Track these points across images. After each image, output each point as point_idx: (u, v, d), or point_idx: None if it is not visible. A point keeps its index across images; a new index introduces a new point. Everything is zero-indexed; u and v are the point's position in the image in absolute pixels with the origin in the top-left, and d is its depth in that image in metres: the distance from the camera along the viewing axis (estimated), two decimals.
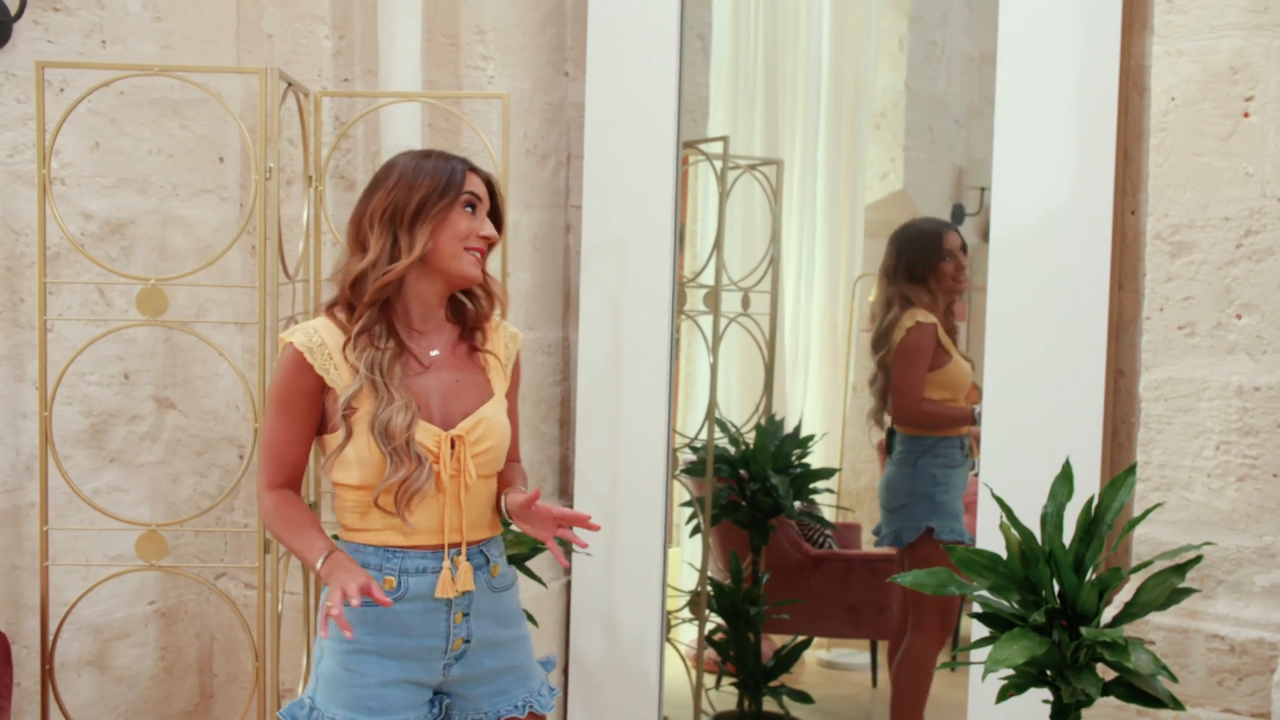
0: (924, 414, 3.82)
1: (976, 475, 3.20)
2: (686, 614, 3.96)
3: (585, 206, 3.66)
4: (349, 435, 2.25)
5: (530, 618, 3.22)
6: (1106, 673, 2.40)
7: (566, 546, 3.66)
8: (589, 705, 3.71)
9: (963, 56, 4.29)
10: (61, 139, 3.12)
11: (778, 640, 4.12)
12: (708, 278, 3.97)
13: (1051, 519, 2.41)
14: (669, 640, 3.76)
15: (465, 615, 2.32)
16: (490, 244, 2.36)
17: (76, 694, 3.31)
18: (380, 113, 3.41)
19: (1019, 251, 3.06)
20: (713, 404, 3.91)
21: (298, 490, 2.36)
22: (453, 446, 2.28)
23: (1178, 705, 2.31)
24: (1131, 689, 2.35)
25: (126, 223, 3.36)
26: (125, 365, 3.38)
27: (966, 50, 4.26)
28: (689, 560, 4.14)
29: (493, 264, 3.38)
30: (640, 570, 3.61)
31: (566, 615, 3.75)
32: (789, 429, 4.15)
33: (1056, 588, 2.38)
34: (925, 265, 3.81)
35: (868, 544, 4.16)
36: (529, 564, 3.22)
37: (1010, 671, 2.37)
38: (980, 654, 2.56)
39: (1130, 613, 2.42)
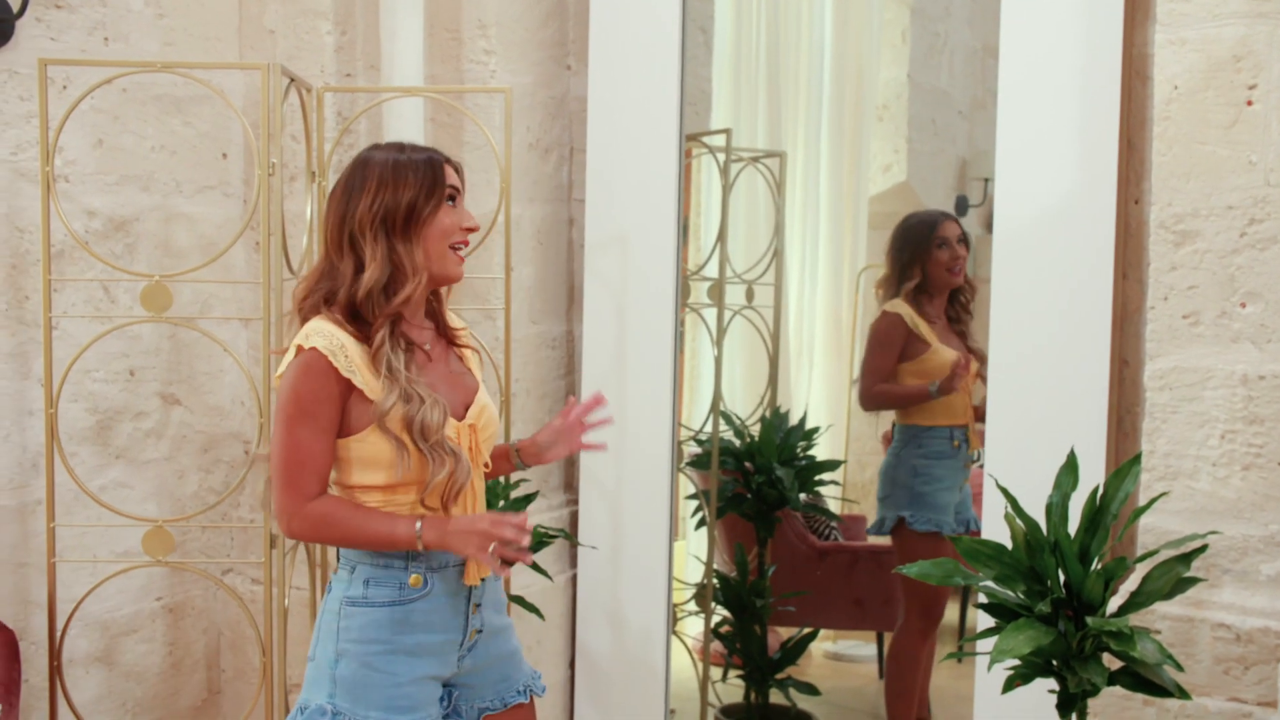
0: (876, 396, 3.91)
1: (981, 466, 3.21)
2: (692, 606, 3.97)
3: (588, 200, 3.66)
4: (401, 445, 2.20)
5: (537, 611, 3.24)
6: (1112, 662, 2.40)
7: (572, 539, 3.68)
8: (596, 698, 3.71)
9: (965, 48, 4.29)
10: (65, 136, 3.13)
11: (784, 632, 4.12)
12: (711, 270, 3.97)
13: (1057, 509, 2.41)
14: (675, 633, 3.76)
15: (479, 606, 2.34)
16: (474, 231, 2.35)
17: (84, 690, 3.31)
18: (383, 108, 3.41)
19: (1023, 242, 3.06)
20: (717, 397, 3.91)
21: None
22: (469, 435, 2.31)
23: (1184, 694, 2.31)
24: (1138, 678, 2.35)
25: (130, 220, 3.36)
26: (130, 362, 3.39)
27: (969, 42, 4.26)
28: (694, 553, 4.15)
29: (495, 258, 3.40)
30: (646, 563, 3.62)
31: (573, 608, 3.75)
32: (794, 421, 4.15)
33: (1062, 577, 2.38)
34: (919, 254, 3.84)
35: (873, 536, 4.16)
36: (534, 557, 3.22)
37: (1016, 661, 2.37)
38: (986, 644, 2.56)
39: (1136, 602, 2.42)
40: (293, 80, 3.16)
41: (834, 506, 4.27)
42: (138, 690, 3.46)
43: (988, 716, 3.07)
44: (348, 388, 2.21)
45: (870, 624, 4.26)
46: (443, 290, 2.41)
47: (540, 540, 3.14)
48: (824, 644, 4.37)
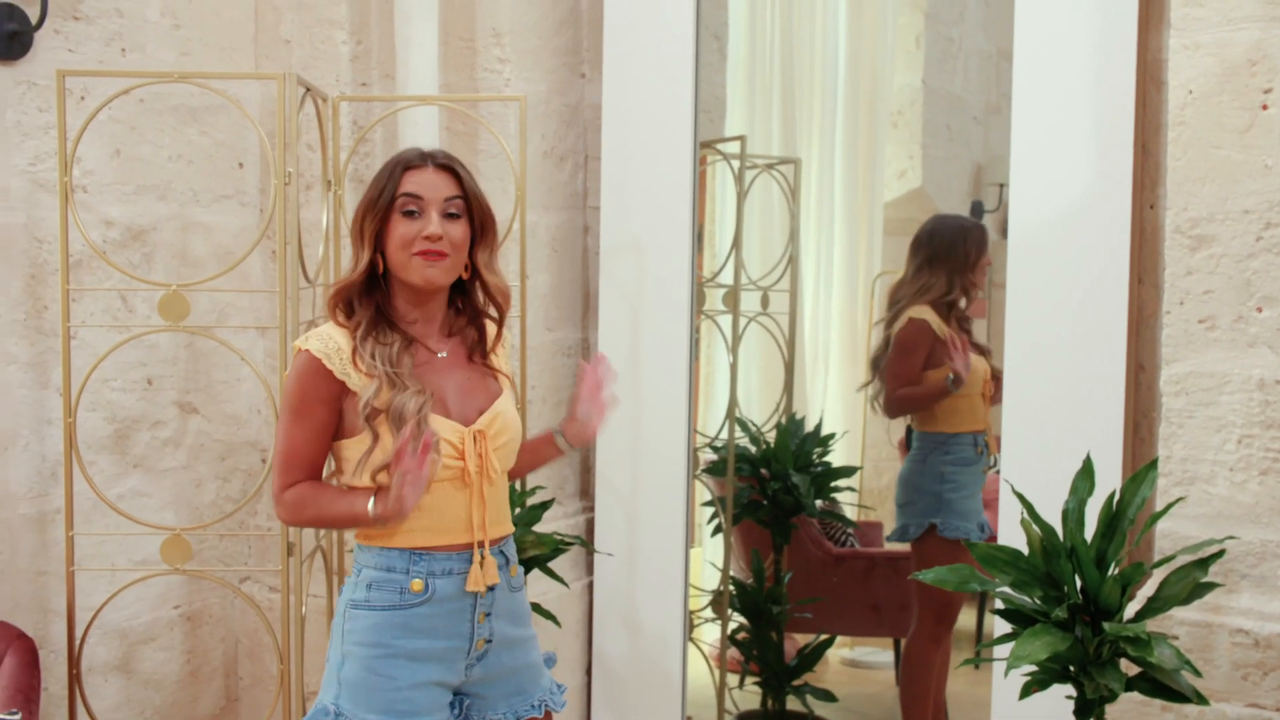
0: (899, 400, 3.87)
1: (997, 472, 3.20)
2: (709, 613, 3.97)
3: (603, 207, 3.66)
4: (376, 438, 2.24)
5: (553, 618, 3.24)
6: (1130, 668, 2.39)
7: (589, 548, 3.68)
8: (612, 705, 3.71)
9: (980, 53, 4.28)
10: (82, 147, 3.15)
11: (800, 639, 4.12)
12: (726, 277, 3.97)
13: (1073, 514, 2.40)
14: (692, 640, 3.76)
15: (488, 615, 2.33)
16: (434, 240, 2.26)
17: (103, 698, 3.33)
18: (398, 116, 3.42)
19: (1038, 247, 3.06)
20: (733, 403, 3.91)
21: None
22: (474, 442, 2.29)
23: (1202, 700, 2.30)
24: (1155, 684, 2.34)
25: (148, 229, 3.38)
26: (148, 371, 3.40)
27: (984, 47, 4.25)
28: (711, 560, 4.14)
29: (511, 265, 3.41)
30: (662, 570, 3.62)
31: (589, 615, 3.75)
32: (810, 427, 4.15)
33: (1079, 583, 2.37)
34: (962, 268, 3.79)
35: (895, 543, 4.16)
36: (551, 565, 3.22)
37: (1033, 668, 2.37)
38: (1003, 650, 2.55)
39: (1153, 608, 2.41)
40: (308, 90, 3.18)
41: (850, 513, 4.26)
42: (156, 698, 3.48)
43: None
44: (342, 389, 2.27)
45: (887, 630, 4.24)
46: (479, 299, 2.39)
47: (556, 547, 3.15)
48: (841, 650, 4.36)
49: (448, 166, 2.32)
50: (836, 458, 4.14)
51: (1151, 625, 2.55)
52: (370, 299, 2.31)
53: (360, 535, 2.35)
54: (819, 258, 4.32)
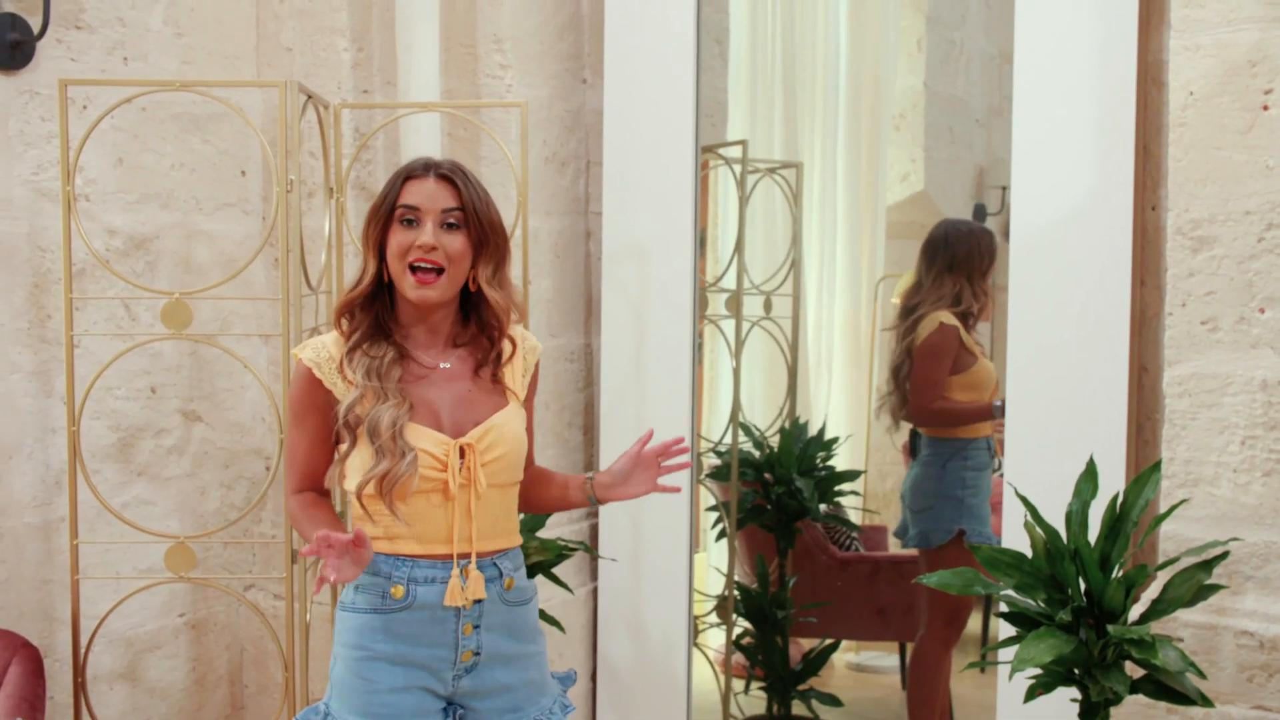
0: (939, 412, 3.82)
1: (1001, 475, 3.20)
2: (714, 618, 3.96)
3: (605, 213, 3.67)
4: (353, 444, 2.26)
5: (557, 624, 3.24)
6: (1135, 671, 2.39)
7: (593, 553, 3.68)
8: (618, 711, 3.71)
9: (982, 56, 4.28)
10: (85, 156, 3.15)
11: (806, 643, 4.12)
12: (729, 282, 3.97)
13: (1076, 517, 2.40)
14: (696, 645, 3.76)
15: (476, 627, 2.31)
16: (428, 250, 2.25)
17: (109, 706, 3.33)
18: (400, 123, 3.42)
19: (1040, 249, 3.06)
20: (736, 408, 3.91)
21: (322, 494, 2.38)
22: (462, 455, 2.27)
23: (1207, 702, 2.30)
24: (1160, 686, 2.34)
25: (151, 238, 3.38)
26: (152, 379, 3.41)
27: (985, 49, 4.25)
28: (715, 565, 4.14)
29: (513, 272, 3.40)
30: (667, 575, 3.62)
31: (594, 621, 3.75)
32: (813, 431, 4.14)
33: (1083, 586, 2.37)
34: (982, 266, 3.78)
35: (894, 545, 4.15)
36: (555, 570, 3.22)
37: (1038, 670, 2.37)
38: (1007, 653, 2.55)
39: (1157, 610, 2.41)
40: (310, 97, 3.18)
41: (854, 517, 4.26)
42: (162, 706, 3.48)
43: None
44: (332, 397, 2.29)
45: (892, 634, 4.24)
46: (492, 304, 2.34)
47: (560, 553, 3.15)
48: (846, 655, 4.36)
49: (449, 177, 2.30)
50: (840, 462, 4.14)
51: (1156, 627, 2.55)
52: (370, 310, 2.32)
53: None
54: (822, 261, 4.32)
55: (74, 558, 3.07)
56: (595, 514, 3.77)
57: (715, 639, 4.04)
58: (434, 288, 2.27)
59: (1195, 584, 2.40)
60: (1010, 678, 2.30)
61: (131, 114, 3.29)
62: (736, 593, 3.94)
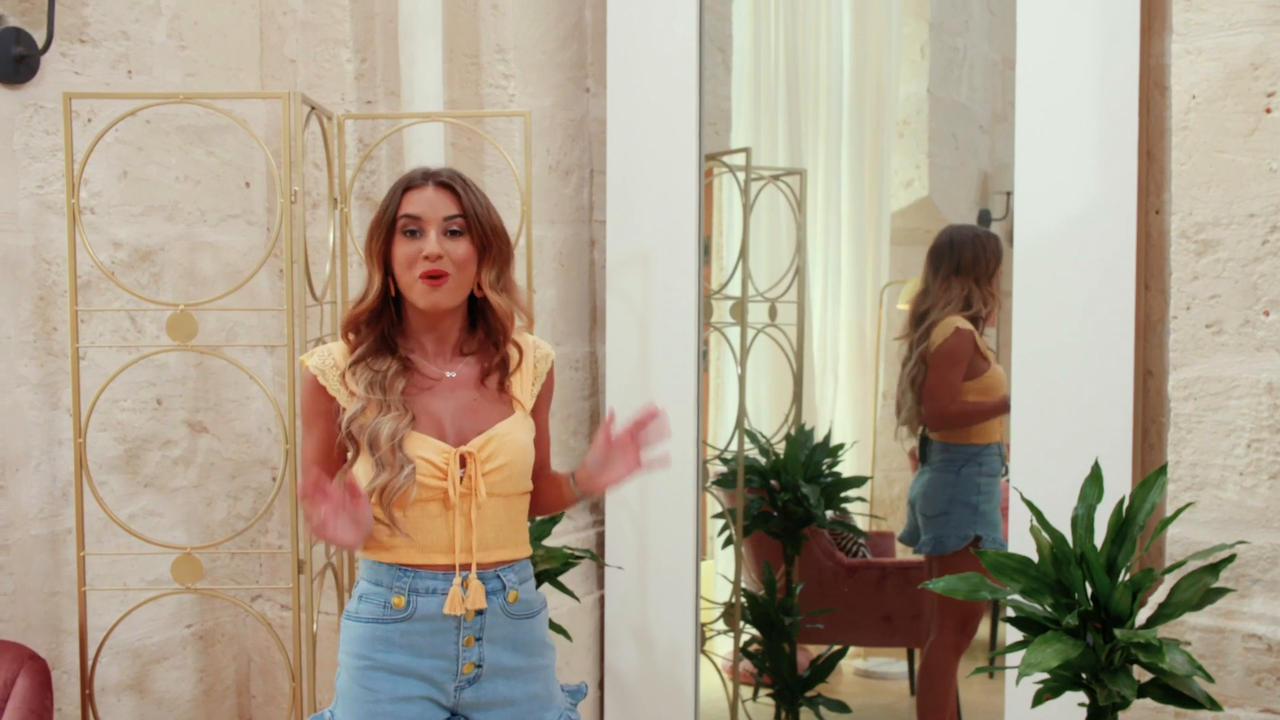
0: (958, 415, 3.81)
1: (1007, 479, 3.19)
2: (721, 626, 3.96)
3: (609, 221, 3.67)
4: (356, 453, 2.29)
5: (564, 632, 3.24)
6: (1142, 674, 2.39)
7: (600, 561, 3.68)
8: (625, 719, 3.71)
9: (985, 62, 4.28)
10: (90, 168, 3.16)
11: (813, 650, 4.11)
12: (734, 289, 3.97)
13: (1082, 521, 2.40)
14: (704, 652, 3.76)
15: (477, 640, 2.30)
16: (434, 260, 2.25)
17: (117, 718, 3.33)
18: (403, 134, 3.43)
19: (1044, 254, 3.06)
20: (742, 415, 3.91)
21: None
22: (463, 464, 2.27)
23: (1215, 706, 2.29)
24: (1168, 690, 2.34)
25: (156, 249, 3.39)
26: (158, 391, 3.41)
27: (988, 55, 4.26)
28: (722, 572, 4.14)
29: (518, 280, 3.41)
30: (673, 583, 3.61)
31: (600, 629, 3.75)
32: (819, 438, 4.14)
33: (1089, 590, 2.37)
34: (989, 270, 3.78)
35: (901, 551, 4.15)
36: (561, 578, 3.22)
37: (1045, 675, 2.36)
38: (1015, 658, 2.55)
39: (1164, 613, 2.41)
40: (314, 108, 3.19)
41: (861, 523, 4.25)
42: (169, 717, 3.48)
43: None
44: (338, 404, 2.31)
45: (900, 640, 4.24)
46: (496, 309, 2.33)
47: (566, 561, 3.15)
48: (854, 661, 4.35)
49: (448, 185, 2.29)
50: (846, 468, 4.14)
51: (1163, 631, 2.55)
52: (377, 324, 2.32)
53: (361, 549, 2.35)
54: (826, 268, 4.32)
55: (81, 569, 3.07)
56: (601, 522, 3.78)
57: (723, 646, 4.04)
58: (443, 291, 2.27)
59: (1202, 587, 2.39)
60: (1017, 682, 2.29)
61: (136, 127, 3.30)
62: (743, 600, 3.94)
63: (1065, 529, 2.41)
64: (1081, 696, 2.40)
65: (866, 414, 4.31)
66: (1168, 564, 2.65)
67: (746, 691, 4.04)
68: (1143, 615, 2.45)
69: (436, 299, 2.27)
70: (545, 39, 3.67)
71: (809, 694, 3.93)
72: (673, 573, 3.61)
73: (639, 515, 3.64)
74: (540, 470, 2.45)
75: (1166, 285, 2.85)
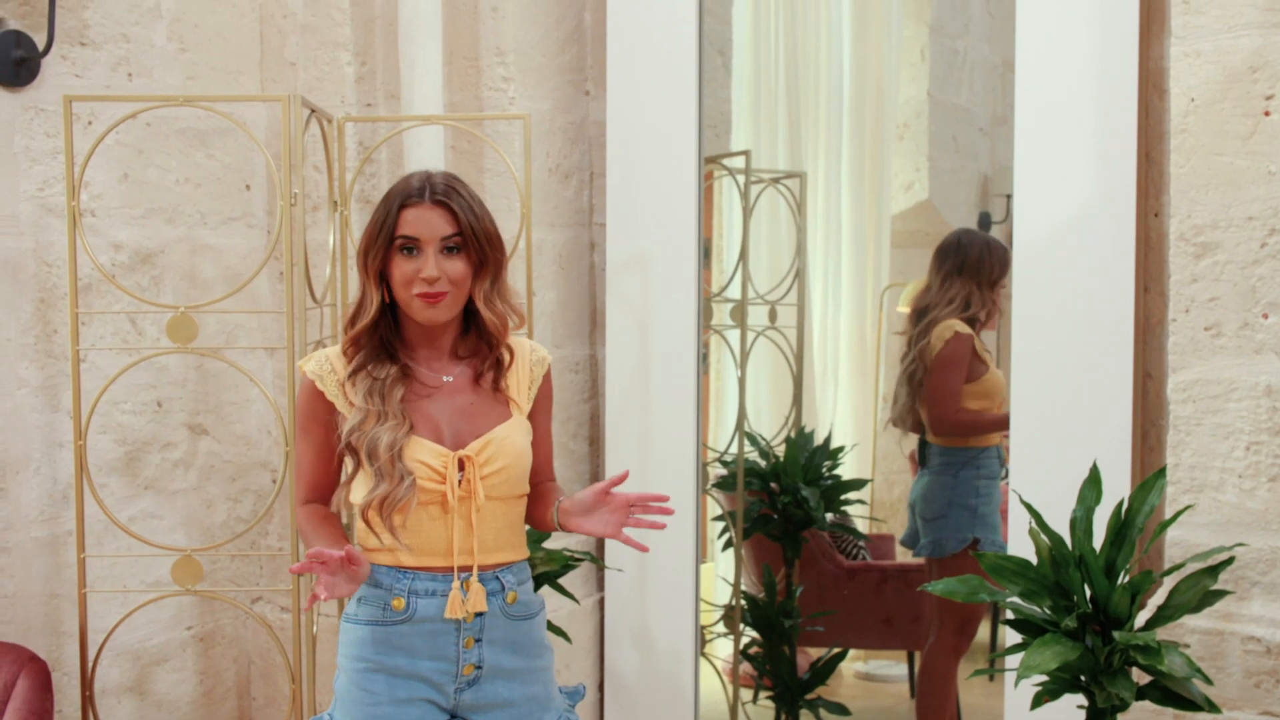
0: (961, 423, 3.81)
1: (1006, 482, 3.20)
2: (721, 628, 3.96)
3: (609, 224, 3.67)
4: (356, 464, 2.29)
5: (564, 634, 3.24)
6: (1141, 677, 2.39)
7: (599, 563, 3.68)
8: None
9: (985, 65, 4.29)
10: (90, 171, 3.17)
11: (813, 653, 4.11)
12: (734, 292, 3.98)
13: (1081, 523, 2.40)
14: (704, 655, 3.76)
15: (477, 641, 2.31)
16: (432, 283, 2.25)
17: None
18: (403, 136, 3.43)
19: (1043, 257, 3.06)
20: (742, 417, 3.92)
21: (329, 506, 2.39)
22: (461, 468, 2.28)
23: (1213, 708, 2.30)
24: (1166, 692, 2.34)
25: (156, 252, 3.40)
26: (158, 393, 3.42)
27: (988, 58, 4.26)
28: (722, 574, 4.14)
29: (518, 283, 3.41)
30: (673, 585, 3.61)
31: (600, 632, 3.75)
32: (819, 440, 4.14)
33: (1088, 592, 2.37)
34: (992, 277, 3.78)
35: (901, 554, 4.15)
36: (561, 580, 3.22)
37: (1044, 677, 2.36)
38: (1014, 660, 2.55)
39: (1163, 616, 2.41)
40: (314, 111, 3.19)
41: (861, 525, 4.25)
42: (170, 719, 3.48)
43: None
44: (336, 410, 2.32)
45: (900, 643, 4.24)
46: (487, 322, 2.33)
47: (566, 564, 3.15)
48: (854, 664, 4.35)
49: (444, 202, 2.27)
50: (846, 470, 4.14)
51: (1162, 633, 2.55)
52: (375, 332, 2.33)
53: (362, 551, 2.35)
54: (826, 271, 4.32)
55: (81, 571, 3.08)
56: None
57: (723, 649, 4.04)
58: (440, 308, 2.28)
59: (1201, 589, 2.40)
60: (1016, 685, 2.30)
61: (136, 129, 3.31)
62: (743, 602, 3.94)
63: (1064, 531, 2.42)
64: (1080, 699, 2.40)
65: (867, 417, 4.31)
66: (1167, 566, 2.65)
67: (746, 694, 4.04)
68: (1142, 617, 2.45)
69: (433, 315, 2.29)
70: (545, 42, 3.67)
71: (809, 696, 3.93)
72: (673, 575, 3.61)
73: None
74: (538, 476, 2.44)
75: (1165, 288, 2.85)
